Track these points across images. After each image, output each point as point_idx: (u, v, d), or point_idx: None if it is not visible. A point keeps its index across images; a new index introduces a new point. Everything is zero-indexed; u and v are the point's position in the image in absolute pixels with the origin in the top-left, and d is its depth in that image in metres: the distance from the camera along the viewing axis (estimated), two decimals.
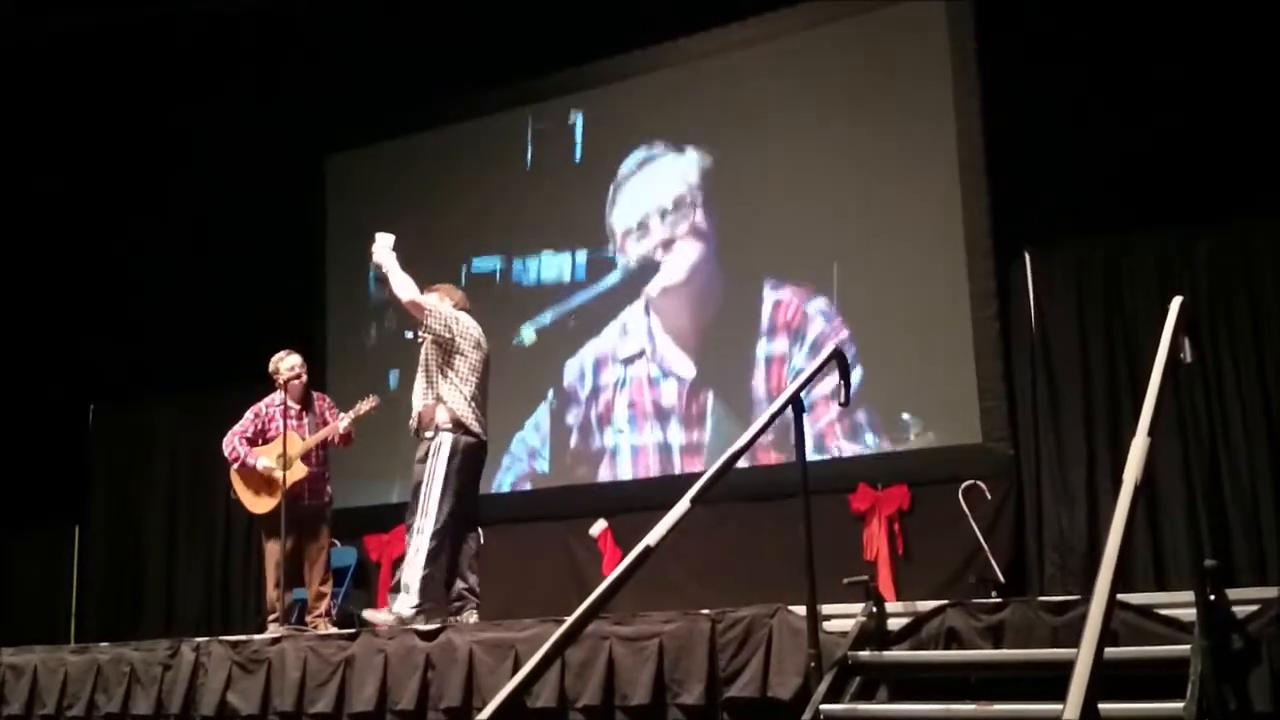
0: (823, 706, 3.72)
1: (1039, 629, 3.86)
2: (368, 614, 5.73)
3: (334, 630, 5.94)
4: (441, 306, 5.84)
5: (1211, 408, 6.10)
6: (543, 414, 8.11)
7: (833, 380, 6.10)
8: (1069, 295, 6.56)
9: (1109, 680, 2.23)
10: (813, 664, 3.85)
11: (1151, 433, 2.88)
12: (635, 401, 7.79)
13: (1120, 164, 6.33)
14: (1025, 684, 3.62)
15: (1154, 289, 6.29)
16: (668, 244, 7.84)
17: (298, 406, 6.50)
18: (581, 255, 8.14)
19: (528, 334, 8.25)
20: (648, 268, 7.89)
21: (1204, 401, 6.11)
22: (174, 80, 8.99)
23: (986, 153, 6.79)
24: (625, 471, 7.75)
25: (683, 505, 3.33)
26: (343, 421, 6.46)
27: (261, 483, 6.41)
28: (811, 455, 6.81)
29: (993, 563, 6.36)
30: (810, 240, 7.34)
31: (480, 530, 6.10)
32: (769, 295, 7.44)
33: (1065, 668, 2.17)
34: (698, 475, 3.58)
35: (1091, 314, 6.48)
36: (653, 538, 3.20)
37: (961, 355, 6.73)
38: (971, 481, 6.57)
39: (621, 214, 8.05)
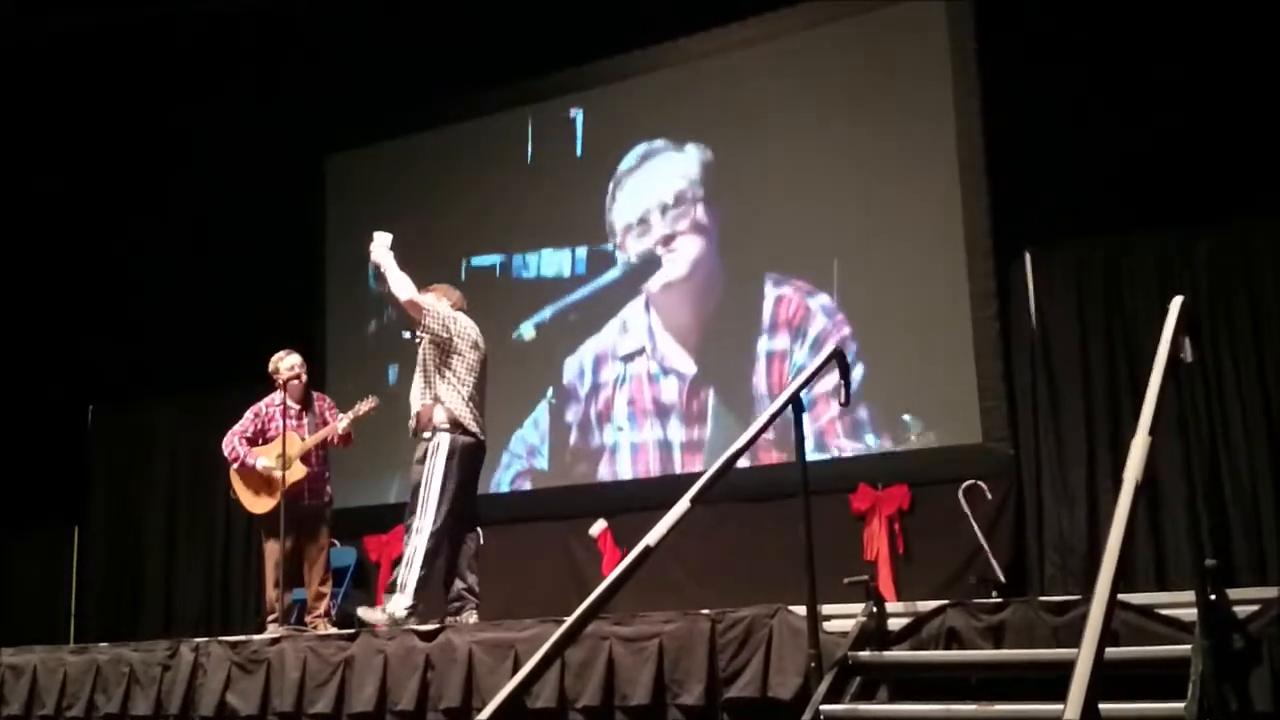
0: (823, 707, 3.72)
1: (1039, 629, 3.85)
2: (361, 611, 5.73)
3: (333, 630, 5.94)
4: (439, 306, 5.84)
5: (1212, 407, 6.11)
6: (542, 411, 8.10)
7: (835, 378, 6.09)
8: (1069, 295, 6.56)
9: (1110, 680, 2.22)
10: (813, 664, 3.85)
11: (1152, 432, 2.88)
12: (635, 399, 7.78)
13: (1120, 164, 6.33)
14: (1026, 684, 3.62)
15: (1154, 289, 6.28)
16: (669, 239, 7.82)
17: (297, 406, 6.50)
18: (581, 251, 8.14)
19: (527, 330, 8.25)
20: (648, 264, 7.87)
21: (1204, 401, 6.11)
22: (174, 80, 8.99)
23: (986, 153, 6.79)
24: (625, 469, 7.74)
25: (682, 505, 3.33)
26: (341, 422, 6.45)
27: (261, 483, 6.40)
28: (812, 454, 6.85)
29: (993, 563, 6.36)
30: (810, 240, 7.34)
31: (480, 530, 6.10)
32: (770, 291, 7.43)
33: (1066, 668, 2.17)
34: (698, 474, 3.58)
35: (1091, 314, 6.48)
36: (652, 538, 3.20)
37: (961, 355, 6.73)
38: (972, 481, 6.57)
39: (622, 210, 8.04)
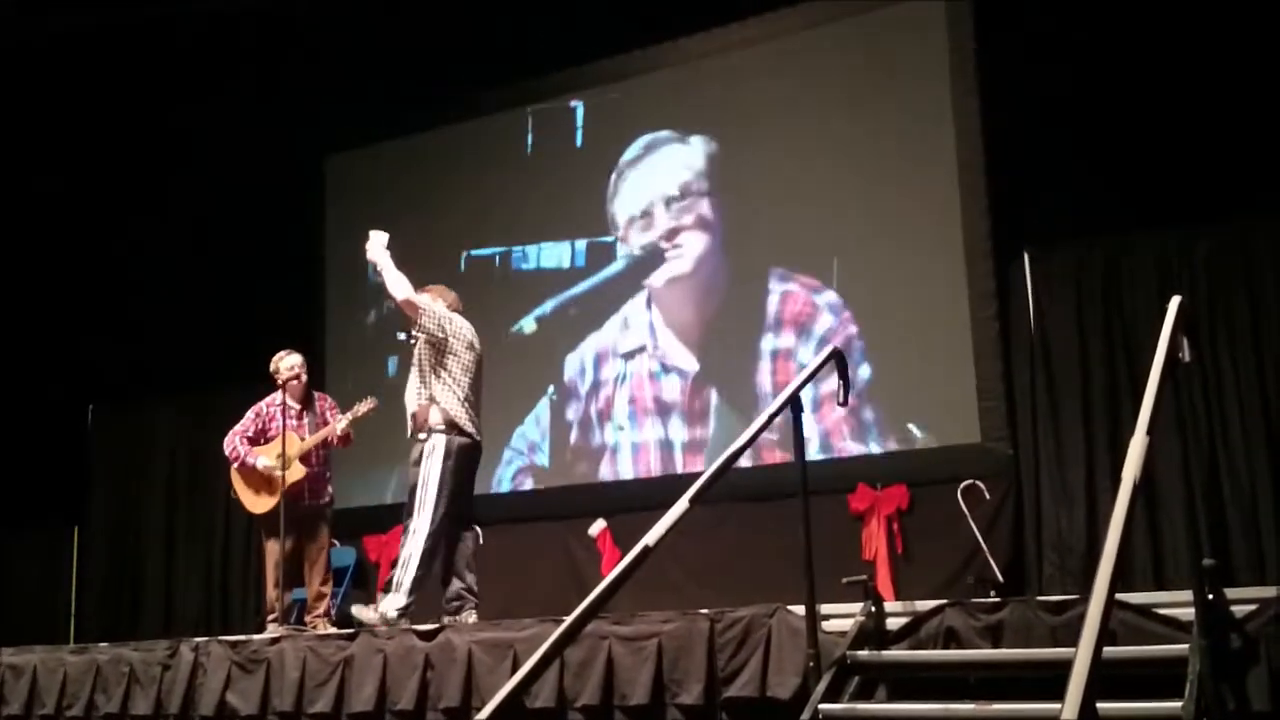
0: (821, 706, 3.72)
1: (1038, 628, 3.86)
2: (355, 610, 5.74)
3: (333, 630, 5.94)
4: (435, 306, 5.84)
5: (1210, 407, 6.11)
6: (543, 408, 8.09)
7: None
8: (1069, 295, 6.56)
9: (1107, 680, 2.23)
10: (811, 664, 3.85)
11: (1150, 432, 2.88)
12: (636, 397, 7.76)
13: (1120, 164, 6.33)
14: (1024, 684, 3.62)
15: (1154, 289, 6.28)
16: (673, 234, 7.78)
17: (298, 406, 6.50)
18: (581, 243, 8.12)
19: (528, 324, 8.24)
20: (651, 257, 7.84)
21: (1203, 401, 6.11)
22: (174, 80, 8.99)
23: (986, 153, 6.79)
24: (626, 469, 7.72)
25: (681, 505, 3.34)
26: (340, 423, 6.45)
27: (261, 482, 6.41)
28: (816, 453, 6.86)
29: (991, 562, 6.36)
30: (810, 240, 7.34)
31: (479, 530, 6.11)
32: (775, 288, 7.40)
33: (1064, 667, 2.17)
34: (698, 474, 3.58)
35: (1091, 314, 6.48)
36: (651, 537, 3.20)
37: (961, 355, 6.73)
38: (971, 481, 6.57)
39: (625, 202, 8.00)
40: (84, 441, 9.55)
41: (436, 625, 5.11)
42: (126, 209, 9.51)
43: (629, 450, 7.74)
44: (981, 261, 6.76)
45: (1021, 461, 6.53)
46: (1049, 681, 3.11)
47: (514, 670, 4.20)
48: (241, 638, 5.73)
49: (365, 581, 8.15)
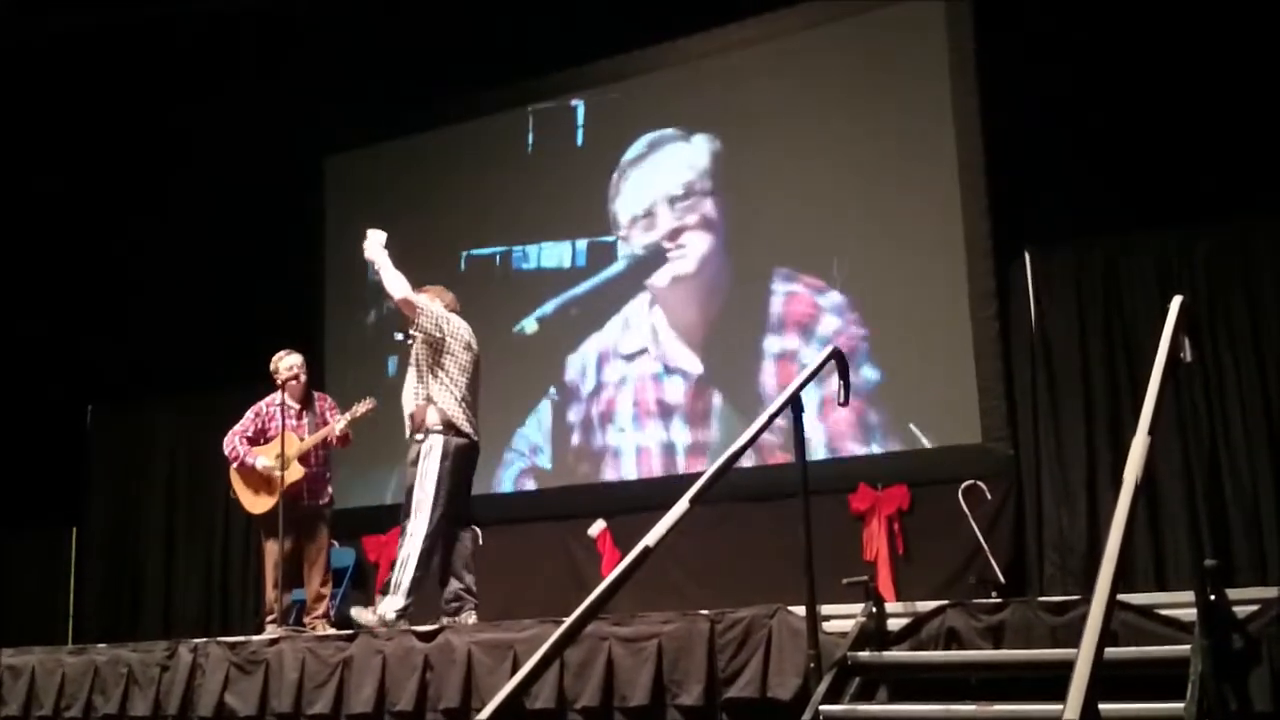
0: (822, 707, 3.71)
1: (1039, 629, 3.85)
2: (354, 612, 5.73)
3: (332, 631, 5.93)
4: (433, 306, 5.84)
5: (1211, 407, 6.10)
6: (545, 409, 8.08)
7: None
8: (1069, 295, 6.55)
9: (1109, 680, 2.22)
10: (812, 664, 3.85)
11: (1151, 432, 2.88)
12: (639, 399, 7.73)
13: (1120, 164, 6.33)
14: (1025, 684, 3.62)
15: (1154, 289, 6.28)
16: (676, 234, 7.75)
17: (297, 406, 6.50)
18: (582, 243, 8.10)
19: (529, 324, 8.22)
20: (653, 257, 7.81)
21: (1204, 401, 6.10)
22: (174, 80, 8.99)
23: (986, 153, 6.78)
24: (629, 471, 7.69)
25: (681, 505, 3.33)
26: (339, 424, 6.44)
27: (260, 482, 6.40)
28: (818, 453, 6.85)
29: (992, 563, 6.36)
30: (810, 240, 7.33)
31: (478, 530, 6.10)
32: (779, 288, 7.38)
33: (1065, 668, 2.17)
34: (700, 475, 3.57)
35: (1091, 314, 6.47)
36: (651, 538, 3.20)
37: (961, 355, 6.72)
38: (971, 481, 6.57)
39: (627, 201, 7.98)
40: (83, 442, 9.54)
41: (436, 626, 5.10)
42: (126, 209, 9.50)
43: (631, 453, 7.72)
44: (982, 261, 6.76)
45: (1022, 461, 6.52)
46: (1050, 682, 3.10)
47: (514, 671, 4.20)
48: (240, 638, 5.73)
49: (364, 582, 8.14)
